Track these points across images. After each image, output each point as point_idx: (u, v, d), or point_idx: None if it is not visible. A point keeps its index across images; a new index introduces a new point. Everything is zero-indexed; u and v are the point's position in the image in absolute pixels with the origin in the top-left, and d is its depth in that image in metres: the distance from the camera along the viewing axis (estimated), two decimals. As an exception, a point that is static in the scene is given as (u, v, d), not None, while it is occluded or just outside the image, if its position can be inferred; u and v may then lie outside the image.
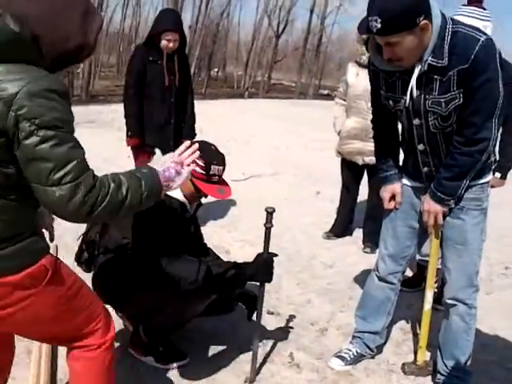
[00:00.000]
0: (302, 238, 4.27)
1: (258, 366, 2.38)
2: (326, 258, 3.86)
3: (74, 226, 4.01)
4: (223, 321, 2.65)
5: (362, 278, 3.53)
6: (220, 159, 2.26)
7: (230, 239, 3.82)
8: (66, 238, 3.79)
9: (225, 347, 2.54)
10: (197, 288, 2.13)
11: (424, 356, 2.47)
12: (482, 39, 1.87)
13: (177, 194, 2.26)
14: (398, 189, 2.31)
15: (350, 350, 2.49)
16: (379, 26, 1.81)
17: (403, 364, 2.49)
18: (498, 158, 3.10)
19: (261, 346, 2.52)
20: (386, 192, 2.35)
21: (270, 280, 2.25)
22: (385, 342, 2.64)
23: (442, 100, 1.98)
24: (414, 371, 2.45)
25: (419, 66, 1.96)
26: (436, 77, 1.96)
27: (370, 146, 3.84)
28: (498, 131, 2.03)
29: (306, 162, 7.57)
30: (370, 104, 3.68)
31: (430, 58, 1.93)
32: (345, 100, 4.02)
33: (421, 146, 2.15)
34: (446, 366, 2.30)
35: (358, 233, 4.31)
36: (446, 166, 2.09)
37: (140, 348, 2.40)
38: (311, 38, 32.29)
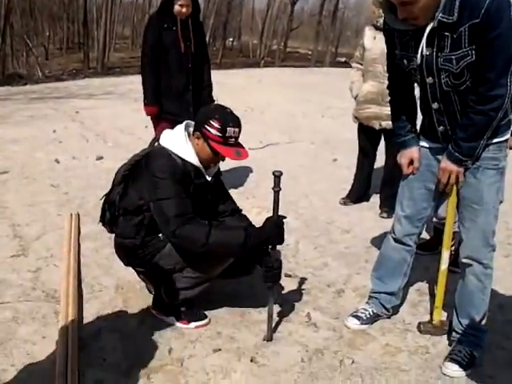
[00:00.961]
0: (319, 204, 4.30)
1: (275, 325, 2.45)
2: (343, 224, 3.89)
3: (93, 193, 4.10)
4: (242, 283, 2.72)
5: (378, 242, 3.55)
6: (236, 121, 2.27)
7: (247, 205, 3.86)
8: (87, 205, 3.90)
9: (244, 308, 2.60)
10: (207, 250, 2.19)
11: (440, 315, 2.50)
12: None
13: (192, 158, 2.30)
14: (416, 153, 2.31)
15: (366, 310, 2.54)
16: None
17: (419, 323, 2.53)
18: None
19: (278, 306, 2.59)
20: (404, 157, 2.34)
21: (281, 242, 2.29)
22: (401, 303, 2.68)
23: (454, 57, 1.96)
24: (429, 330, 2.49)
25: (430, 24, 1.94)
26: (447, 33, 1.94)
27: (387, 110, 3.81)
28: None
29: (323, 130, 7.54)
30: (386, 68, 3.74)
31: (440, 15, 1.90)
32: (362, 64, 3.98)
33: (435, 105, 2.13)
34: (461, 324, 2.34)
35: (375, 198, 4.32)
36: (461, 127, 2.08)
37: (162, 309, 2.48)
38: (327, 4, 31.65)
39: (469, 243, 2.26)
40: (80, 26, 25.08)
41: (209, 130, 2.24)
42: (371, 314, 2.53)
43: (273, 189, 2.23)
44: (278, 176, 2.21)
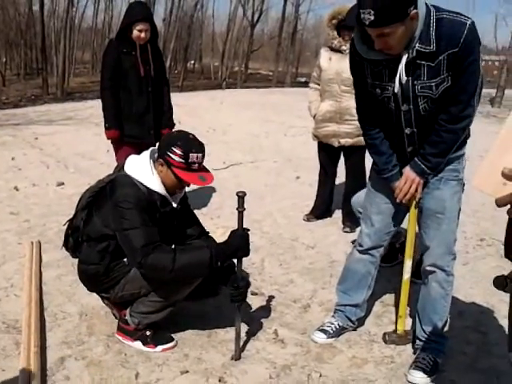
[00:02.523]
0: (284, 222, 4.35)
1: (243, 343, 2.46)
2: (307, 240, 3.94)
3: (54, 220, 4.02)
4: (208, 304, 2.72)
5: (342, 256, 3.62)
6: (198, 147, 2.29)
7: (212, 226, 3.86)
8: (49, 232, 3.83)
9: (210, 329, 2.60)
10: (175, 276, 2.19)
11: (404, 325, 2.56)
12: (469, 23, 1.94)
13: (157, 187, 2.31)
14: None
15: (332, 324, 2.58)
16: (372, 18, 1.84)
17: (384, 334, 2.58)
18: None
19: (245, 325, 2.59)
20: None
21: (247, 253, 2.30)
22: (366, 315, 2.73)
23: (433, 83, 2.05)
24: (394, 340, 2.54)
25: (406, 54, 2.02)
26: (424, 62, 2.03)
27: (345, 128, 3.97)
28: (477, 108, 2.13)
29: (286, 149, 7.64)
30: (342, 87, 3.87)
31: (417, 45, 1.99)
32: (319, 84, 4.09)
33: (408, 130, 2.20)
34: (424, 331, 2.40)
35: (338, 214, 4.40)
36: (431, 143, 2.16)
37: (128, 333, 2.45)
38: (286, 26, 32.29)
39: (433, 251, 2.33)
40: (38, 52, 24.78)
41: (171, 157, 2.26)
42: (337, 327, 2.57)
43: (237, 209, 2.25)
44: (241, 196, 2.24)
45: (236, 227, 2.28)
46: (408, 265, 2.49)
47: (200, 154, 2.28)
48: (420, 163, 2.19)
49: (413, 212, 2.38)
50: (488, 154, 1.20)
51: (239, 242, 2.26)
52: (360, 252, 2.53)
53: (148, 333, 2.44)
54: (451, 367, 2.39)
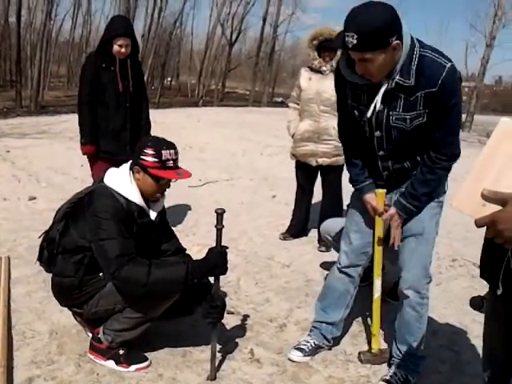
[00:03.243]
0: (259, 240, 4.34)
1: (218, 363, 2.42)
2: (283, 258, 3.94)
3: (25, 235, 3.93)
4: (183, 323, 2.67)
5: (318, 276, 3.64)
6: (169, 144, 2.30)
7: (188, 243, 3.78)
8: (19, 248, 3.73)
9: (185, 348, 2.55)
10: (149, 291, 2.15)
11: (378, 344, 2.57)
12: (448, 66, 2.00)
13: (136, 196, 2.29)
14: (373, 199, 2.36)
15: (307, 342, 2.56)
16: (355, 41, 1.89)
17: (359, 353, 2.58)
18: None
19: (221, 344, 2.56)
20: (368, 203, 2.36)
21: (225, 272, 2.28)
22: (342, 334, 2.72)
23: (408, 117, 2.11)
24: (369, 359, 2.54)
25: (386, 84, 2.07)
26: (401, 95, 2.08)
27: (323, 147, 4.02)
28: None
29: (262, 167, 7.68)
30: (321, 107, 3.92)
31: (397, 77, 2.04)
32: (298, 104, 4.13)
33: (381, 153, 2.26)
34: (399, 350, 2.41)
35: (314, 233, 4.42)
36: (424, 182, 2.21)
37: (100, 352, 2.39)
38: (264, 46, 32.69)
39: (409, 273, 2.35)
40: (13, 64, 24.42)
41: (145, 160, 2.25)
42: (313, 345, 2.56)
43: (215, 226, 2.24)
44: (220, 214, 2.22)
45: (213, 244, 2.26)
46: (377, 283, 2.50)
47: (172, 151, 2.28)
48: (409, 205, 2.25)
49: (377, 235, 2.41)
50: (468, 176, 1.23)
51: (217, 259, 2.24)
52: (339, 270, 2.54)
53: (121, 352, 2.38)
54: (425, 386, 2.40)
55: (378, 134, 2.20)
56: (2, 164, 6.74)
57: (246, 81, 44.07)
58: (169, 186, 2.39)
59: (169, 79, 37.59)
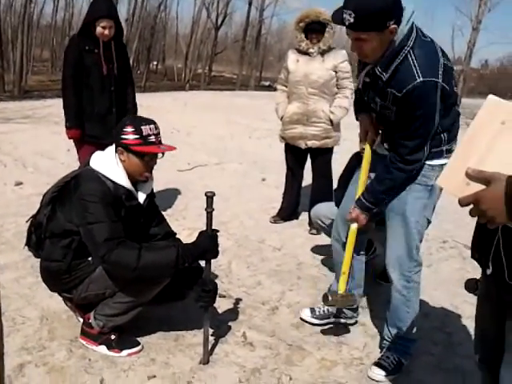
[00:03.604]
0: (250, 224, 4.32)
1: (211, 347, 2.41)
2: (274, 242, 3.93)
3: (12, 221, 3.87)
4: (175, 307, 2.64)
5: (309, 259, 3.63)
6: (148, 120, 2.28)
7: (177, 227, 3.76)
8: (6, 233, 3.67)
9: (177, 332, 2.54)
10: (139, 275, 2.13)
11: (345, 284, 2.44)
12: (418, 81, 1.95)
13: (123, 180, 2.25)
14: (368, 123, 2.37)
15: (321, 307, 2.64)
16: (352, 20, 1.88)
17: (325, 294, 2.43)
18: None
19: (213, 328, 2.54)
20: (360, 127, 2.42)
21: (216, 255, 2.26)
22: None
23: (378, 102, 2.13)
24: (337, 300, 2.45)
25: (372, 64, 2.09)
26: (379, 81, 2.09)
27: (312, 130, 3.98)
28: (429, 150, 2.15)
29: (251, 151, 7.63)
30: (309, 89, 3.88)
31: (378, 67, 2.05)
32: (286, 86, 4.09)
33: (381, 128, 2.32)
34: (390, 332, 2.42)
35: (304, 216, 4.41)
36: (379, 180, 2.23)
37: (92, 338, 2.36)
38: (250, 30, 32.37)
39: (392, 255, 2.34)
40: (-6, 48, 23.91)
41: (126, 138, 2.22)
42: (325, 311, 2.61)
43: (205, 210, 2.21)
44: (210, 197, 2.19)
45: (204, 228, 2.24)
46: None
47: (152, 125, 2.26)
48: (365, 201, 2.26)
49: (352, 231, 2.38)
50: (453, 155, 1.21)
51: (208, 243, 2.21)
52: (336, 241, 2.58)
53: (113, 337, 2.36)
54: (418, 367, 2.42)
55: (374, 112, 2.25)
56: (-14, 149, 6.61)
57: (232, 65, 43.74)
58: (155, 163, 2.35)
59: (154, 63, 37.05)
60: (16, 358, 2.24)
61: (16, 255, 3.20)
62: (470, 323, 2.84)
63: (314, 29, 3.82)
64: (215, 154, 7.16)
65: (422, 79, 1.95)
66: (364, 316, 2.84)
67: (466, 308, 3.02)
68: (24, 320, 2.56)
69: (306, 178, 4.41)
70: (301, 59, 3.93)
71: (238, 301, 2.91)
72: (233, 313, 2.78)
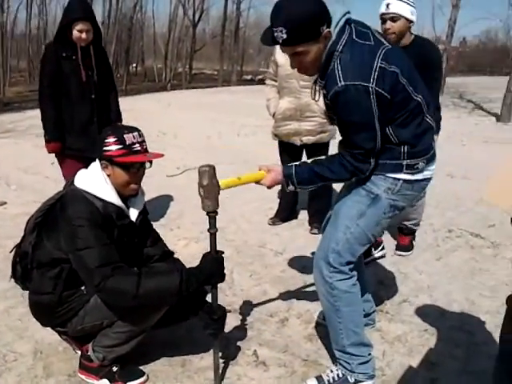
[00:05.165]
0: (248, 227, 4.14)
1: (222, 370, 2.24)
2: (275, 245, 3.76)
3: (1, 244, 3.65)
4: (178, 329, 2.46)
5: (313, 261, 3.46)
6: (130, 128, 2.09)
7: (172, 238, 3.62)
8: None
9: (184, 357, 2.37)
10: (139, 303, 1.95)
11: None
12: (339, 85, 1.83)
13: (112, 197, 2.07)
14: None
15: (329, 373, 2.24)
16: (285, 36, 1.79)
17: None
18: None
19: (222, 348, 2.37)
20: None
21: (222, 279, 2.09)
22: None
23: (328, 102, 1.99)
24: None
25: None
26: (321, 90, 2.03)
27: (306, 125, 3.81)
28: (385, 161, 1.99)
29: (241, 149, 7.45)
30: (301, 82, 3.69)
31: (318, 76, 1.98)
32: (276, 81, 3.91)
33: None
34: (331, 343, 2.21)
35: (304, 215, 4.25)
36: (319, 163, 2.03)
37: (92, 372, 2.19)
38: (228, 24, 32.04)
39: (317, 248, 2.17)
40: (-31, 61, 23.40)
41: (109, 150, 2.03)
42: (335, 377, 2.18)
43: (208, 231, 2.03)
44: (212, 217, 2.01)
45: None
46: None
47: (135, 133, 2.06)
48: (293, 170, 2.04)
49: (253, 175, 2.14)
50: (502, 167, 1.05)
51: (213, 266, 2.04)
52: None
53: (115, 369, 2.18)
54: (443, 374, 2.27)
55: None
56: (-34, 168, 6.36)
57: (212, 61, 43.40)
58: (143, 174, 2.16)
59: (134, 65, 36.59)
60: (10, 402, 2.06)
61: (5, 283, 2.98)
62: (490, 318, 2.70)
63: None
64: (205, 156, 6.94)
65: (343, 83, 1.83)
66: (378, 319, 2.68)
67: (483, 302, 2.89)
68: (16, 356, 2.38)
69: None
70: (289, 52, 3.74)
71: (244, 315, 2.74)
72: (240, 329, 2.61)
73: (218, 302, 2.14)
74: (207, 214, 2.01)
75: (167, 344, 2.44)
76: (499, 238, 3.84)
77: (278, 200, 4.27)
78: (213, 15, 43.29)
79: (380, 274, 3.20)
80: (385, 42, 1.93)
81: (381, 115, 1.87)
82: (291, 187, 2.08)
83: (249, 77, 33.94)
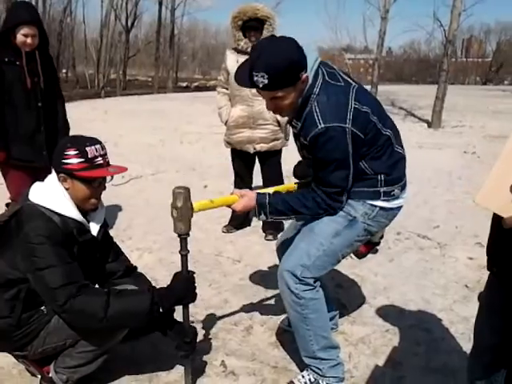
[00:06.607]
0: (202, 236, 4.08)
1: (191, 383, 2.19)
2: (231, 253, 3.73)
3: None
4: (142, 342, 2.38)
5: (271, 268, 3.48)
6: (92, 140, 1.98)
7: (126, 250, 3.44)
8: None
9: (150, 372, 2.29)
10: (107, 326, 1.88)
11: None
12: (319, 127, 1.87)
13: (72, 211, 1.96)
14: None
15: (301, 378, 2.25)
16: (266, 81, 1.80)
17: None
18: None
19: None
20: None
21: (194, 299, 2.06)
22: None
23: (300, 151, 2.05)
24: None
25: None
26: (296, 131, 2.04)
27: (259, 133, 3.83)
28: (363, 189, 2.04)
29: (186, 157, 7.36)
30: (253, 90, 3.68)
31: (294, 118, 2.00)
32: (227, 88, 3.90)
33: None
34: (300, 350, 2.22)
35: (257, 222, 4.25)
36: (294, 196, 2.07)
37: (53, 394, 2.06)
38: (163, 30, 31.71)
39: (283, 261, 2.16)
40: None
41: (69, 163, 1.92)
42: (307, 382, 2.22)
43: (180, 252, 2.00)
44: (184, 238, 1.98)
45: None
46: None
47: (98, 146, 1.97)
48: (268, 202, 2.06)
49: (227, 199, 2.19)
50: (493, 170, 1.12)
51: (184, 286, 2.01)
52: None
53: (78, 389, 2.07)
54: (408, 371, 2.34)
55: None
56: None
57: (146, 67, 42.76)
58: (104, 188, 2.07)
59: (64, 71, 35.31)
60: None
61: None
62: (444, 316, 2.83)
63: (251, 26, 3.66)
64: (149, 164, 6.82)
65: (323, 125, 1.87)
66: (341, 322, 2.73)
67: (437, 300, 3.02)
68: (-34, 383, 2.21)
69: (256, 182, 4.25)
70: (240, 59, 3.72)
71: (208, 325, 2.70)
72: (205, 340, 2.56)
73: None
74: (179, 236, 1.96)
75: (132, 359, 2.35)
76: (444, 239, 4.03)
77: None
78: (145, 21, 42.65)
79: (337, 278, 3.25)
80: (352, 82, 1.99)
81: (354, 153, 1.92)
82: (263, 217, 2.09)
83: (184, 84, 33.72)
